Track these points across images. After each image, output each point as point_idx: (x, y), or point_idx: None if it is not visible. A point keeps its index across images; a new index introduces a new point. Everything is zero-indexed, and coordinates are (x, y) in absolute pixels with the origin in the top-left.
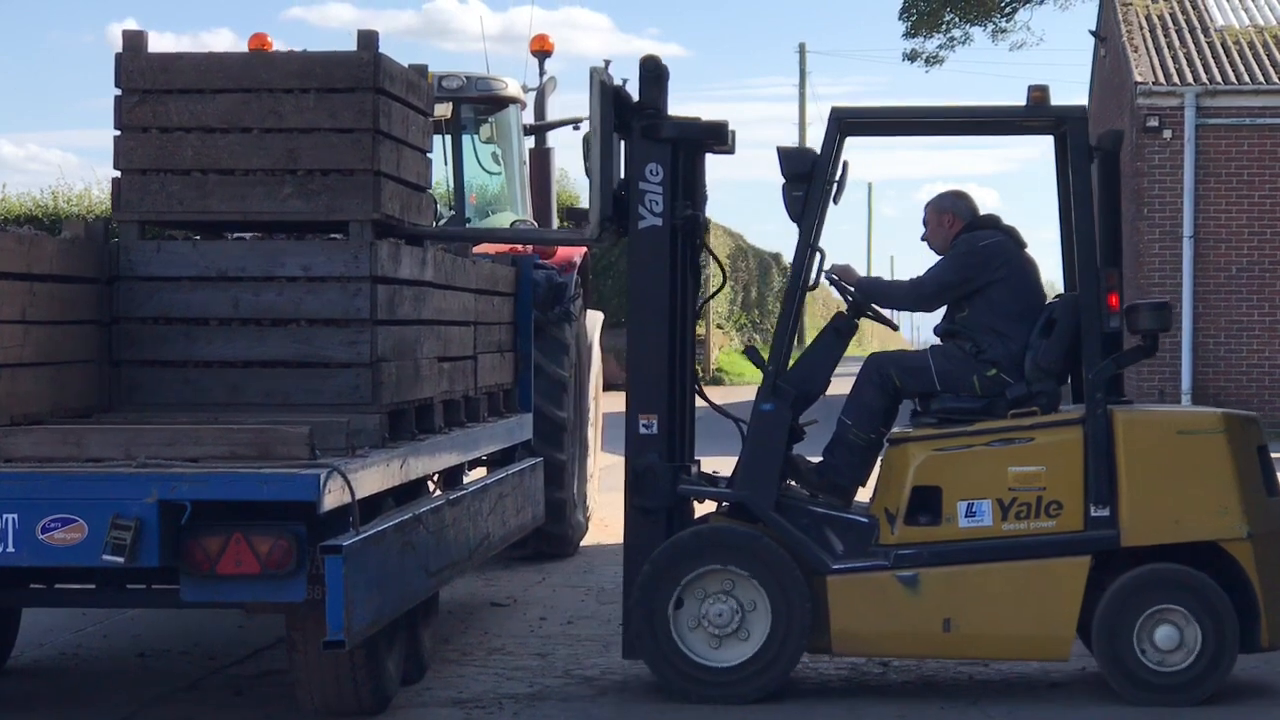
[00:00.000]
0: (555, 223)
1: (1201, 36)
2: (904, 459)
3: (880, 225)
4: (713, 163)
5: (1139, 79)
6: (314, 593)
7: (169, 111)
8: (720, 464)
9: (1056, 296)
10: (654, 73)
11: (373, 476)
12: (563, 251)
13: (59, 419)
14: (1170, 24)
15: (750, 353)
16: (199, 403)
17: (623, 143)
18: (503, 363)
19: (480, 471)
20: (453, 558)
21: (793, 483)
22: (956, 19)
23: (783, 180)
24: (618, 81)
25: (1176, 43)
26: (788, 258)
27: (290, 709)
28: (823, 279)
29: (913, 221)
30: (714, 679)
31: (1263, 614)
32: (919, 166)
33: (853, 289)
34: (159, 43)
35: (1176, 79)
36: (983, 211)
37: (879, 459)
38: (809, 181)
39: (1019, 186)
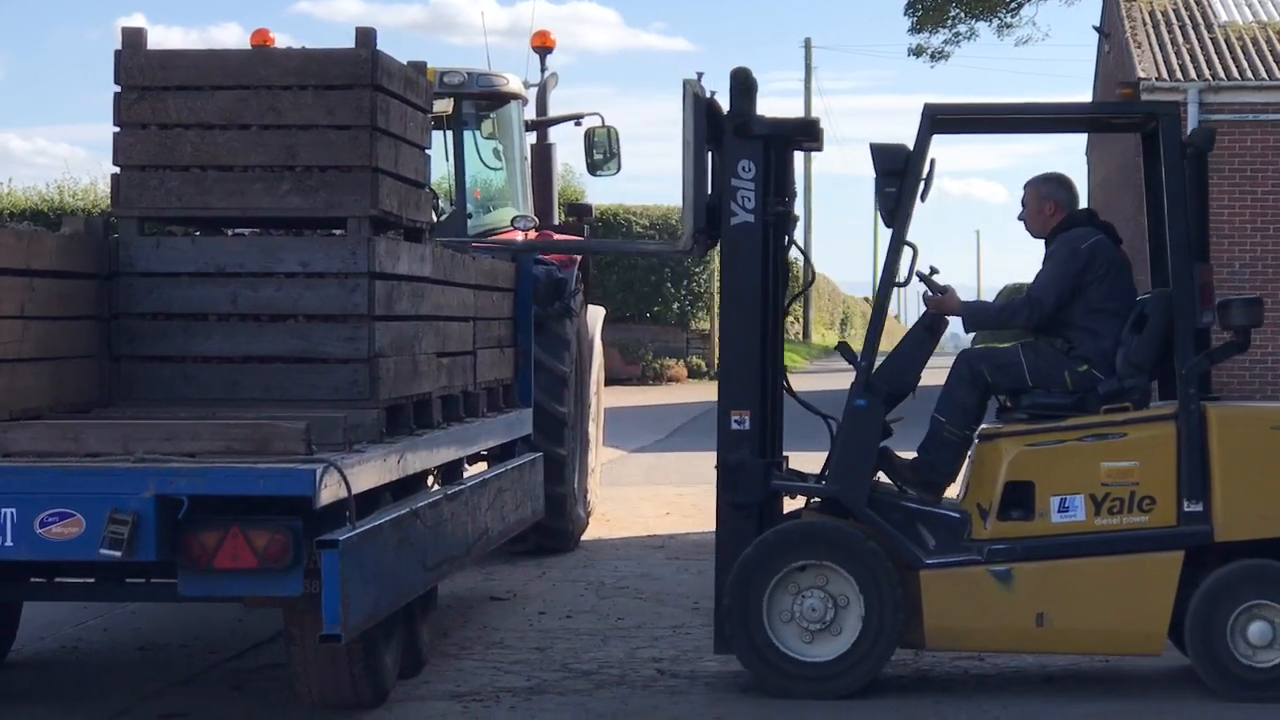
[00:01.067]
0: (557, 219)
1: (1205, 32)
2: (996, 454)
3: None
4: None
5: (1142, 75)
6: (311, 587)
7: (168, 108)
8: (798, 460)
9: (1147, 293)
10: (744, 84)
11: (370, 471)
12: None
13: (58, 414)
14: (1173, 20)
15: (842, 348)
16: (197, 398)
17: (711, 154)
18: (502, 358)
19: (480, 466)
20: (451, 552)
21: (882, 478)
22: (962, 14)
23: (875, 176)
24: (708, 93)
25: (1180, 39)
26: (792, 254)
27: (288, 702)
28: (914, 277)
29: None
30: (807, 674)
31: None
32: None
33: (958, 314)
34: (166, 37)
35: (1180, 75)
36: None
37: (969, 455)
38: (902, 177)
39: (1025, 181)
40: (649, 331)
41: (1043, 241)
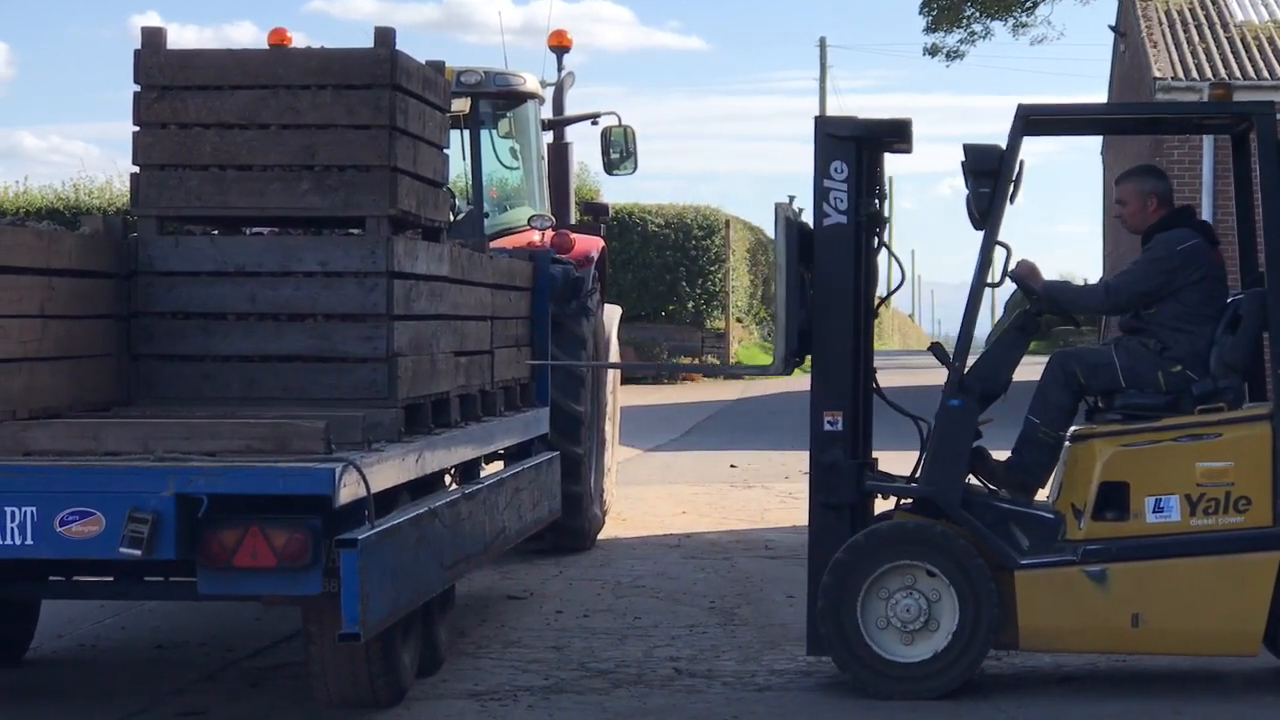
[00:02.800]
0: (574, 218)
1: (1220, 32)
2: (1090, 455)
3: (900, 219)
4: (728, 154)
5: (1158, 74)
6: (329, 586)
7: (187, 108)
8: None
9: (1240, 293)
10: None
11: (388, 470)
12: (580, 246)
13: (77, 413)
14: (1189, 19)
15: (935, 349)
16: (216, 397)
17: (805, 280)
18: (520, 357)
19: (497, 466)
20: (468, 551)
21: (972, 479)
22: (977, 13)
23: (968, 176)
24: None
25: (1196, 38)
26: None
27: (306, 701)
28: (1007, 278)
29: (931, 215)
30: (901, 674)
31: None
32: (936, 160)
33: (1036, 290)
34: (181, 36)
35: (1195, 74)
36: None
37: (1061, 456)
38: (995, 178)
39: (1038, 181)
40: (664, 331)
41: (1140, 238)
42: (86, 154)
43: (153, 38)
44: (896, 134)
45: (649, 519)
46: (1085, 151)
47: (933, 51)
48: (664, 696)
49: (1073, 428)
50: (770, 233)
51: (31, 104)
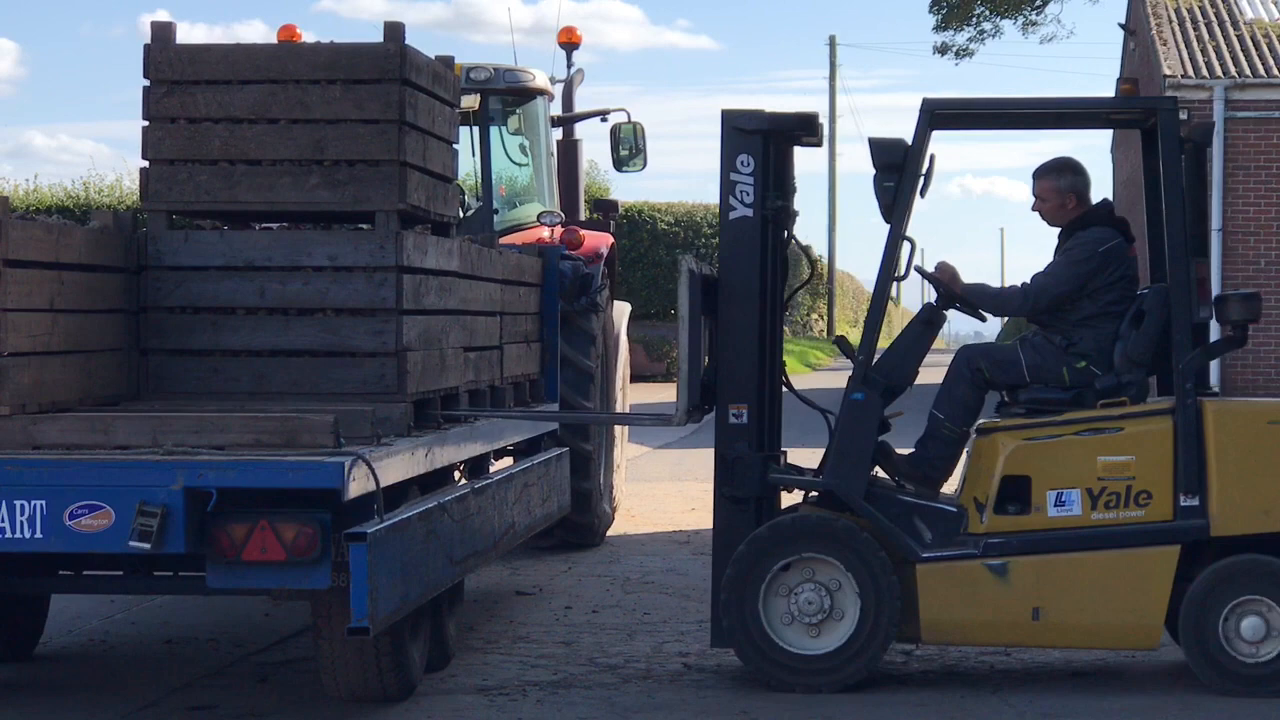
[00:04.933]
0: (583, 214)
1: (1231, 30)
2: (993, 449)
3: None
4: None
5: (1168, 72)
6: (339, 580)
7: (197, 102)
8: (798, 456)
9: (1145, 288)
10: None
11: (397, 465)
12: (590, 242)
13: (87, 407)
14: (1199, 17)
15: (840, 342)
16: (225, 391)
17: (707, 327)
18: (529, 353)
19: (506, 461)
20: (478, 546)
21: (879, 472)
22: (987, 12)
23: (874, 171)
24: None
25: (1206, 36)
26: (818, 248)
27: (316, 695)
28: (912, 271)
29: (939, 214)
30: (803, 667)
31: None
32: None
33: (957, 293)
34: (191, 34)
35: (1205, 72)
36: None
37: (966, 449)
38: (901, 172)
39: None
40: (674, 328)
41: (1058, 231)
42: (96, 153)
43: (162, 32)
44: (804, 128)
45: (658, 515)
46: (1095, 150)
47: (942, 50)
48: (673, 691)
49: (980, 421)
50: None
51: (42, 103)
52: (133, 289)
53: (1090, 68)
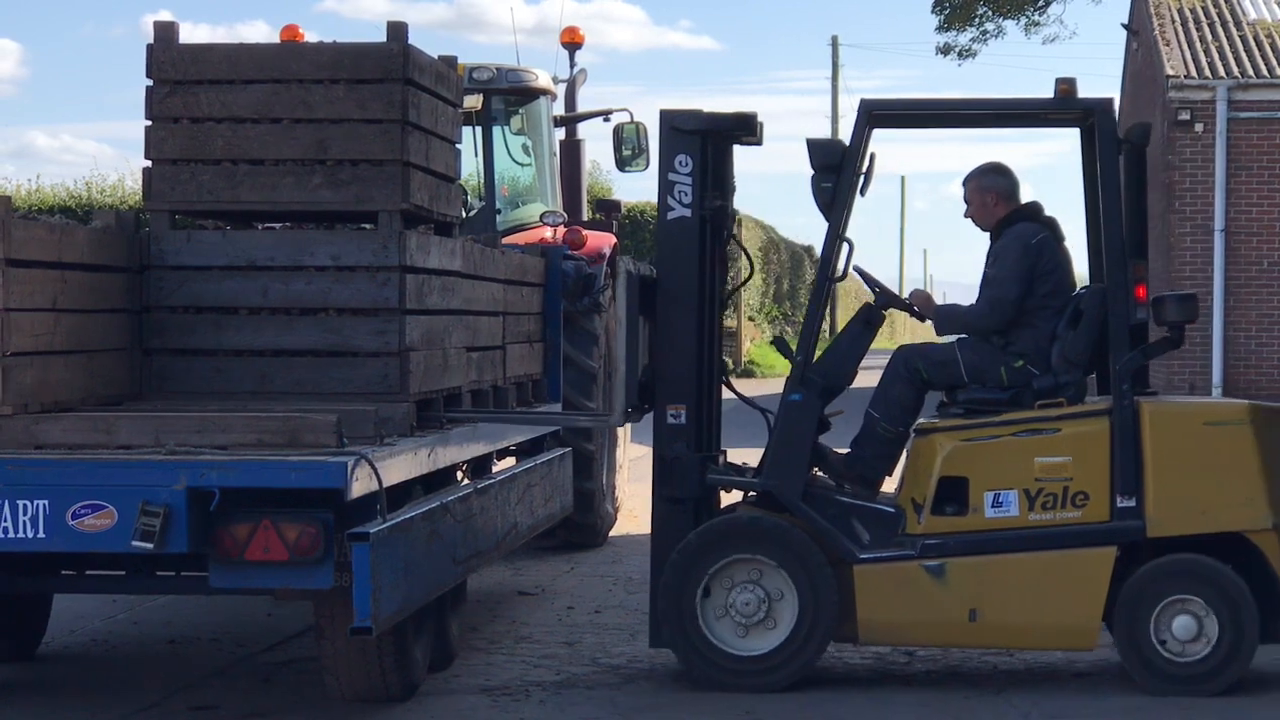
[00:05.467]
0: (585, 214)
1: (1234, 30)
2: (931, 449)
3: (912, 218)
4: (744, 155)
5: (1171, 72)
6: (342, 580)
7: (200, 102)
8: (744, 455)
9: (1083, 288)
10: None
11: (400, 465)
12: (593, 242)
13: (90, 407)
14: (1202, 17)
15: (778, 343)
16: (228, 391)
17: (647, 327)
18: (531, 353)
19: (509, 461)
20: (480, 546)
21: (818, 473)
22: (989, 12)
23: (812, 171)
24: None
25: (1209, 36)
26: (819, 250)
27: (319, 695)
28: (851, 271)
29: (944, 215)
30: (741, 667)
31: None
32: (951, 160)
33: (932, 319)
34: (194, 34)
35: (1208, 72)
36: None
37: (905, 449)
38: (838, 172)
39: (1052, 180)
40: None
41: (988, 236)
42: (99, 152)
43: (165, 32)
44: (743, 128)
45: None
46: None
47: (945, 51)
48: (675, 691)
49: (919, 421)
50: (783, 231)
51: (44, 103)
52: (135, 289)
53: (1093, 68)
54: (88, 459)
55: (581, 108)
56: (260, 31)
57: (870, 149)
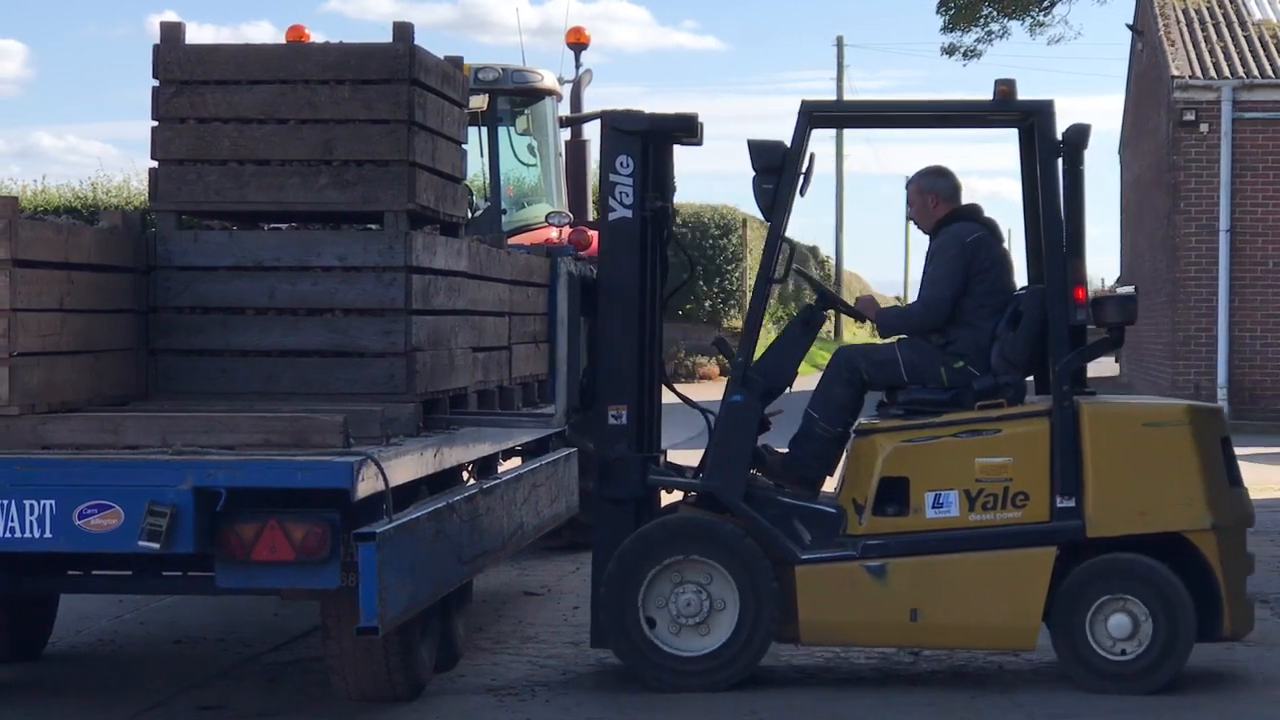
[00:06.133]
0: (591, 215)
1: (1239, 30)
2: (872, 450)
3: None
4: (744, 153)
5: (1176, 73)
6: (348, 579)
7: (206, 102)
8: (685, 456)
9: (1023, 288)
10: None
11: (406, 465)
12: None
13: (96, 407)
14: (1207, 18)
15: (719, 344)
16: (235, 391)
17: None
18: (537, 353)
19: (515, 462)
20: (486, 546)
21: (758, 473)
22: (994, 12)
23: (753, 173)
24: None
25: (1214, 36)
26: (825, 250)
27: (325, 695)
28: (790, 272)
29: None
30: (683, 667)
31: (1225, 603)
32: (952, 161)
33: (875, 322)
34: (199, 34)
35: (1213, 72)
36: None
37: (846, 450)
38: (779, 174)
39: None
40: (681, 329)
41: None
42: (104, 153)
43: (171, 33)
44: (684, 129)
45: None
46: (1102, 152)
47: (950, 51)
48: (680, 692)
49: (859, 422)
50: (788, 233)
51: (49, 104)
52: (142, 289)
53: (1098, 69)
54: (94, 459)
55: (587, 108)
56: (265, 32)
57: (809, 149)
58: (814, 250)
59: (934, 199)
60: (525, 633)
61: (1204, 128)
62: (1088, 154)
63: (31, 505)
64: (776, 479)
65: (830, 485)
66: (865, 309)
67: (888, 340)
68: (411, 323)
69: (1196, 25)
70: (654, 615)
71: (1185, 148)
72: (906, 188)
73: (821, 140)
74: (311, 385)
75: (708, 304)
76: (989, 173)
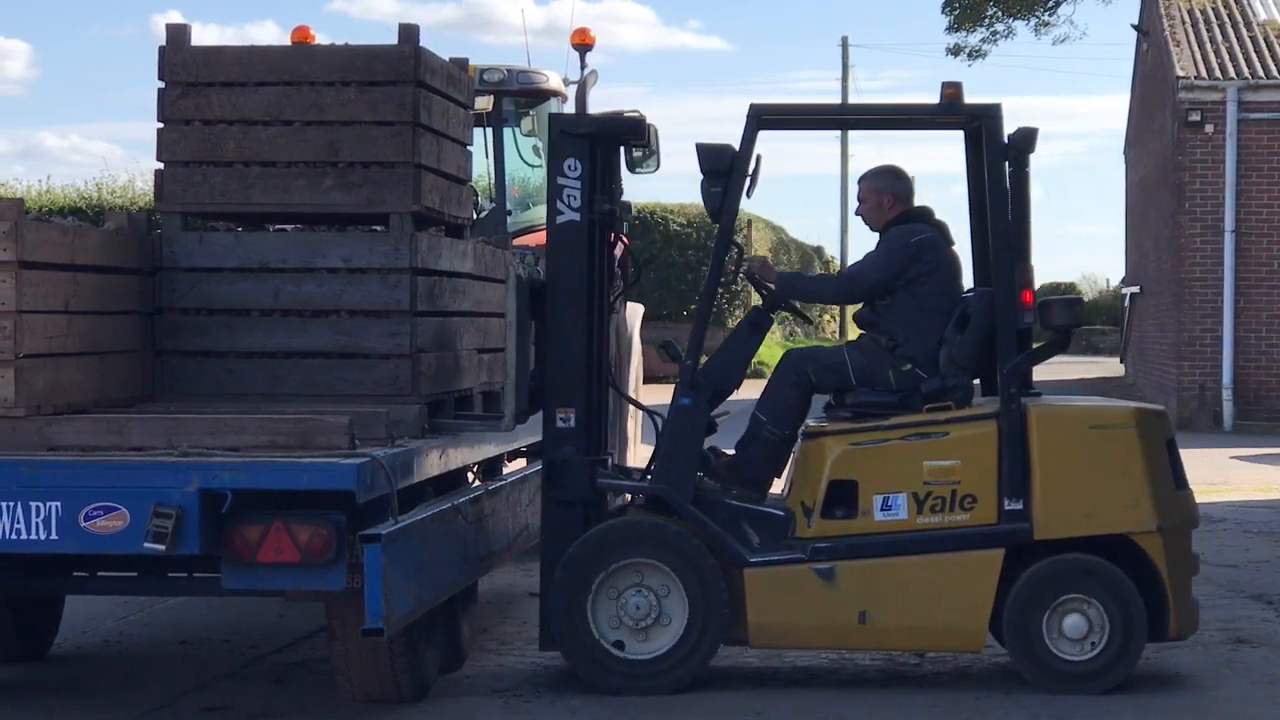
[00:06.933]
0: None
1: (1244, 31)
2: (820, 453)
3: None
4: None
5: (1181, 73)
6: (353, 581)
7: (211, 104)
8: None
9: (970, 291)
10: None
11: (412, 466)
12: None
13: (102, 408)
14: (1212, 18)
15: (667, 347)
16: (240, 393)
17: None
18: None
19: (520, 463)
20: (492, 548)
21: (703, 476)
22: (999, 13)
23: (701, 176)
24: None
25: (1219, 37)
26: (830, 250)
27: (330, 697)
28: (742, 274)
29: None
30: (632, 670)
31: (1171, 604)
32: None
33: (771, 285)
34: (203, 35)
35: (1218, 73)
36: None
37: (794, 453)
38: (728, 177)
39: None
40: (686, 330)
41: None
42: (109, 153)
43: (177, 34)
44: (631, 131)
45: None
46: (1107, 152)
47: (955, 51)
48: (685, 692)
49: (808, 424)
50: (792, 233)
51: (52, 104)
52: (147, 290)
53: (1103, 69)
54: (100, 460)
55: (592, 109)
56: (270, 32)
57: (757, 152)
58: (819, 250)
59: (890, 199)
60: (530, 634)
61: (1209, 128)
62: (1086, 157)
63: (37, 507)
64: (724, 482)
65: (779, 487)
66: (763, 273)
67: (835, 343)
68: (417, 324)
69: (1202, 25)
70: (602, 618)
71: (1190, 148)
72: (860, 183)
73: (826, 141)
74: (317, 387)
75: (712, 305)
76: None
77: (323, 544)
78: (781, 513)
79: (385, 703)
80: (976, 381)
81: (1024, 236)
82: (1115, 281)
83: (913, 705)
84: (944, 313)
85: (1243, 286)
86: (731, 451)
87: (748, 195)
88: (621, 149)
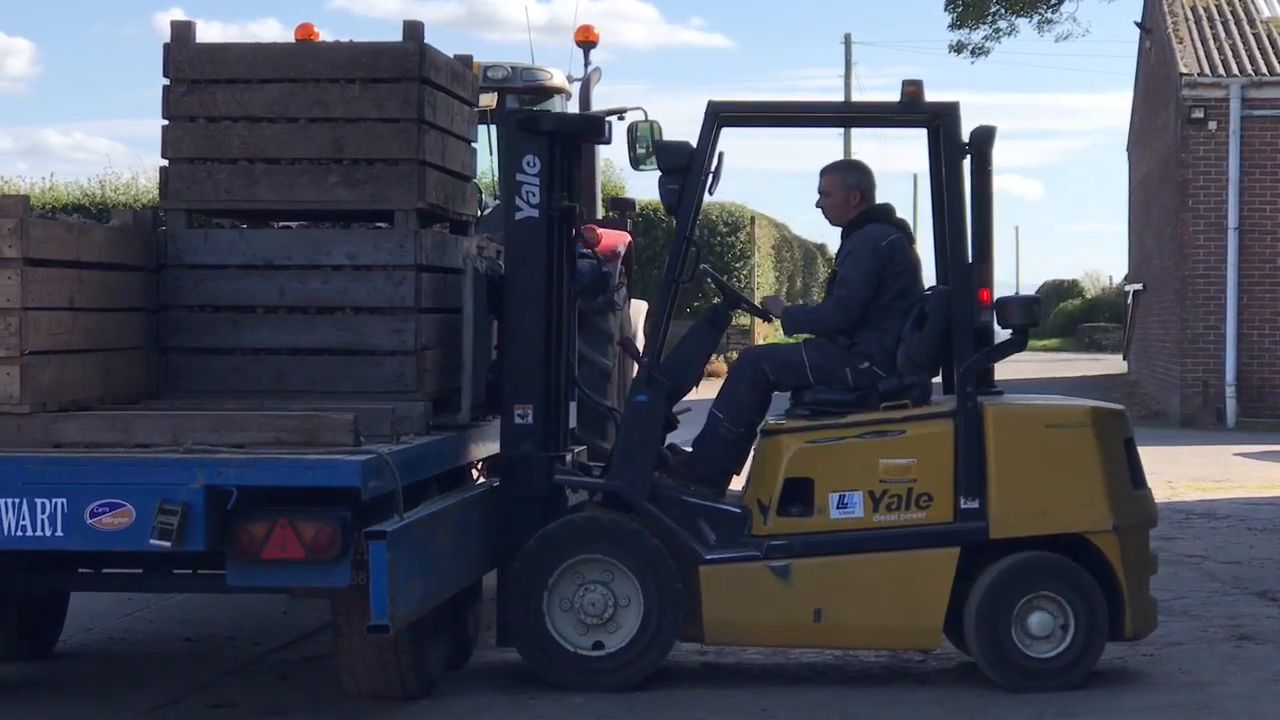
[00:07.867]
0: (599, 212)
1: (1247, 28)
2: (777, 450)
3: (926, 217)
4: (754, 152)
5: (1184, 70)
6: (358, 578)
7: (216, 101)
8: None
9: (928, 289)
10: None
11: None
12: (607, 240)
13: (107, 405)
14: (1216, 15)
15: (625, 344)
16: (245, 389)
17: (495, 324)
18: None
19: None
20: (496, 544)
21: (660, 474)
22: (1002, 10)
23: (660, 174)
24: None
25: (1222, 34)
26: (832, 248)
27: (336, 693)
28: (697, 273)
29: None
30: (587, 666)
31: (1127, 604)
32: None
33: (782, 320)
34: (206, 31)
35: (1222, 70)
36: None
37: (752, 450)
38: (686, 174)
39: (1063, 178)
40: (686, 328)
41: (840, 231)
42: (112, 151)
43: (182, 32)
44: (590, 129)
45: None
46: (1110, 149)
47: (958, 49)
48: (690, 689)
49: (766, 421)
50: (795, 229)
51: (54, 102)
52: (152, 287)
53: (1106, 66)
54: (105, 457)
55: (595, 106)
56: (272, 29)
57: (719, 148)
58: (821, 249)
59: (857, 195)
60: None
61: (1212, 125)
62: (1089, 153)
63: (43, 504)
64: (681, 479)
65: (737, 484)
66: (771, 307)
67: (794, 340)
68: (421, 321)
69: (1205, 23)
70: (558, 614)
71: (1193, 145)
72: (821, 175)
73: (829, 138)
74: (322, 384)
75: (716, 300)
76: (999, 170)
77: (328, 541)
78: (738, 510)
79: (390, 699)
80: (937, 380)
81: (985, 235)
82: (1118, 279)
83: (917, 702)
84: (903, 312)
85: (1246, 283)
86: (689, 448)
87: (709, 192)
88: (581, 146)
